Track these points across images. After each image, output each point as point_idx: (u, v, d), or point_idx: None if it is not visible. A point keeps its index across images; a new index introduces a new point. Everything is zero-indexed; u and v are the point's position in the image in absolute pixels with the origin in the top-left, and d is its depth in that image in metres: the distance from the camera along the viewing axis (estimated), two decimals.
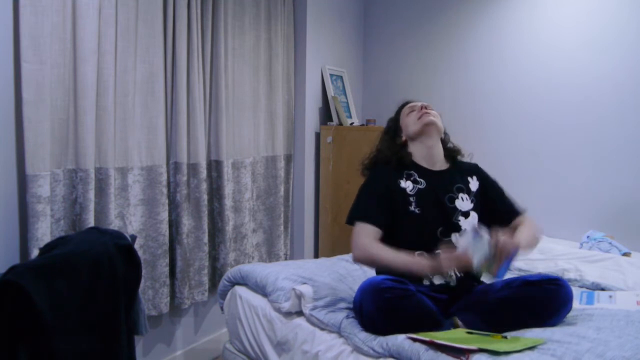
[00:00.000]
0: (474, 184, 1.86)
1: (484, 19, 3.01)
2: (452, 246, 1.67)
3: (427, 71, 3.23)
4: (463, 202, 1.78)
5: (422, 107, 1.87)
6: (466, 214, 1.77)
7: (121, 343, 1.64)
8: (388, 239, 1.72)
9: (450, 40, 3.16)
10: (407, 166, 1.83)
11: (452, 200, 1.78)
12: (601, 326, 1.50)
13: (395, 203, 1.76)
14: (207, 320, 2.70)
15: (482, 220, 1.80)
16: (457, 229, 1.74)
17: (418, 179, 1.80)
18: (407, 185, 1.78)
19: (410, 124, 1.87)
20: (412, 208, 1.74)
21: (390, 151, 1.87)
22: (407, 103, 1.98)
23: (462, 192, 1.81)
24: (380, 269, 1.73)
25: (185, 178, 2.41)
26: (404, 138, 1.90)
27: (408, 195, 1.77)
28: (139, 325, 1.80)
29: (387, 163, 1.86)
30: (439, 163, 1.87)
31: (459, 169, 1.89)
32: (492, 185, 1.90)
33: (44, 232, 1.82)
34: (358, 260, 1.73)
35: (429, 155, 1.85)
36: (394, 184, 1.79)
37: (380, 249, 1.66)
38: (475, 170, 1.92)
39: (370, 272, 2.09)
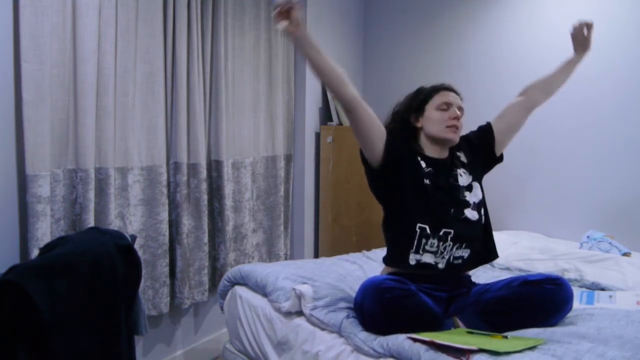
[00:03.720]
0: (464, 156, 1.83)
1: (484, 19, 3.01)
2: (467, 222, 1.70)
3: (427, 71, 3.23)
4: (462, 177, 1.76)
5: (456, 117, 1.73)
6: (469, 188, 1.76)
7: (121, 343, 1.64)
8: (395, 213, 1.72)
9: (450, 40, 3.16)
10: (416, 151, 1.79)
11: (456, 179, 1.75)
12: (601, 326, 1.50)
13: (405, 172, 1.71)
14: (207, 320, 2.70)
15: (489, 166, 1.87)
16: (467, 205, 1.73)
17: (426, 166, 1.76)
18: (422, 163, 1.74)
19: (435, 122, 1.74)
20: (426, 181, 1.70)
21: (403, 134, 1.79)
22: (446, 88, 1.80)
23: (458, 167, 1.78)
24: (325, 77, 1.64)
25: (185, 178, 2.41)
26: (420, 124, 1.78)
27: (424, 170, 1.72)
28: (139, 325, 1.80)
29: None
30: (442, 153, 1.83)
31: (452, 152, 1.84)
32: (478, 135, 1.86)
33: (44, 232, 1.82)
34: (345, 104, 1.65)
35: (435, 151, 1.80)
36: (410, 154, 1.75)
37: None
38: (461, 144, 1.84)
39: (371, 272, 2.09)
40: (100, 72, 2.01)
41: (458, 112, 1.75)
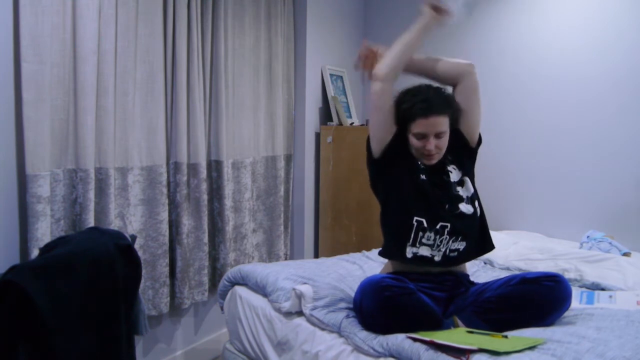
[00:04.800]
0: (449, 155, 1.81)
1: (484, 19, 3.01)
2: (463, 217, 1.71)
3: None
4: (453, 174, 1.78)
5: (430, 151, 1.69)
6: (461, 183, 1.78)
7: (121, 343, 1.64)
8: (392, 207, 1.75)
9: (450, 40, 3.15)
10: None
11: (448, 175, 1.77)
12: (601, 326, 1.50)
13: (402, 165, 1.74)
14: (207, 320, 2.70)
15: (473, 155, 1.85)
16: (460, 199, 1.74)
17: (422, 162, 1.77)
18: (417, 161, 1.76)
19: (412, 146, 1.73)
20: (423, 177, 1.73)
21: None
22: (423, 114, 1.67)
23: (448, 165, 1.79)
24: (401, 56, 1.95)
25: (185, 178, 2.41)
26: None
27: (420, 165, 1.75)
28: (139, 326, 1.80)
29: None
30: None
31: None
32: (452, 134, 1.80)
33: (44, 232, 1.82)
34: (383, 71, 1.90)
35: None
36: (409, 151, 1.77)
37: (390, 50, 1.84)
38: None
39: (371, 272, 2.09)
40: (100, 72, 2.01)
41: (432, 146, 1.68)
